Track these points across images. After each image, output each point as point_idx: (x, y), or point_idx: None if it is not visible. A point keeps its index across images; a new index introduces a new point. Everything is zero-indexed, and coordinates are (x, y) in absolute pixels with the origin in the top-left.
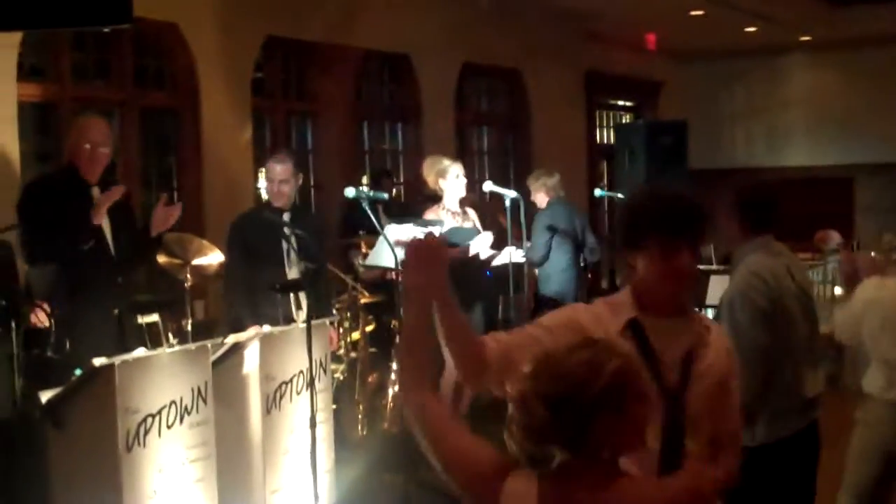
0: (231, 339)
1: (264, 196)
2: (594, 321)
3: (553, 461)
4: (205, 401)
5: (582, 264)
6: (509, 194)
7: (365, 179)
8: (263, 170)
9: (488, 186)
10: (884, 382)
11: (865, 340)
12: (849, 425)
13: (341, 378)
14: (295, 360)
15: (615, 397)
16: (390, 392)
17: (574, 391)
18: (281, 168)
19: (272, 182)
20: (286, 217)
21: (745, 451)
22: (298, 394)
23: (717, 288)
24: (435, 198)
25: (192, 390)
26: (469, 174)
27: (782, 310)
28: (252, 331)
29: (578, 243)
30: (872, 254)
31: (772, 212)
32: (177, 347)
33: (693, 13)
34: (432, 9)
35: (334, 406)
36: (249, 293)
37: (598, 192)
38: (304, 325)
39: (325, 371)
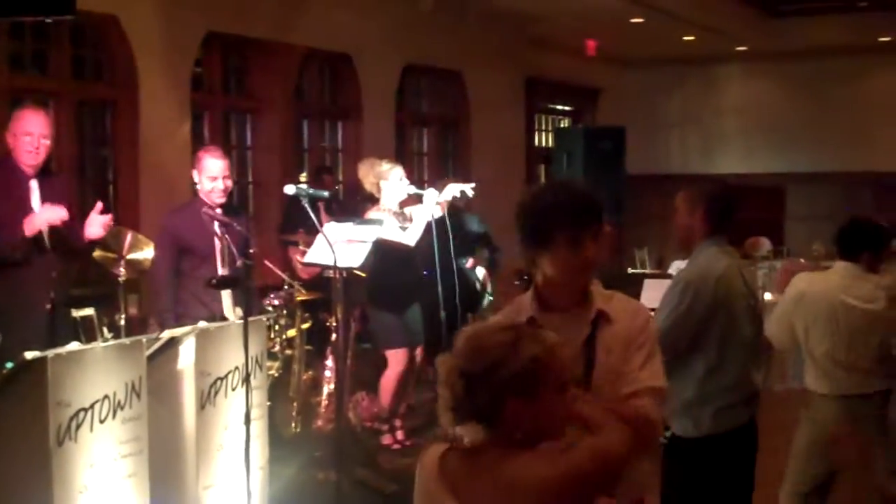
0: (166, 334)
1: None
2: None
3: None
4: (138, 396)
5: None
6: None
7: (303, 176)
8: (197, 162)
9: (410, 189)
10: (816, 378)
11: (798, 336)
12: (772, 427)
13: (276, 375)
14: (231, 357)
15: (528, 382)
16: (325, 389)
17: (488, 370)
18: (223, 163)
19: (213, 178)
20: (220, 213)
21: (691, 442)
22: (233, 390)
23: (651, 292)
24: (372, 198)
25: (126, 385)
26: (408, 174)
27: (728, 309)
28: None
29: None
30: (801, 261)
31: (733, 215)
32: (111, 342)
33: (633, 21)
34: (375, 9)
35: (269, 403)
36: (178, 291)
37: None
38: (241, 321)
39: (260, 368)
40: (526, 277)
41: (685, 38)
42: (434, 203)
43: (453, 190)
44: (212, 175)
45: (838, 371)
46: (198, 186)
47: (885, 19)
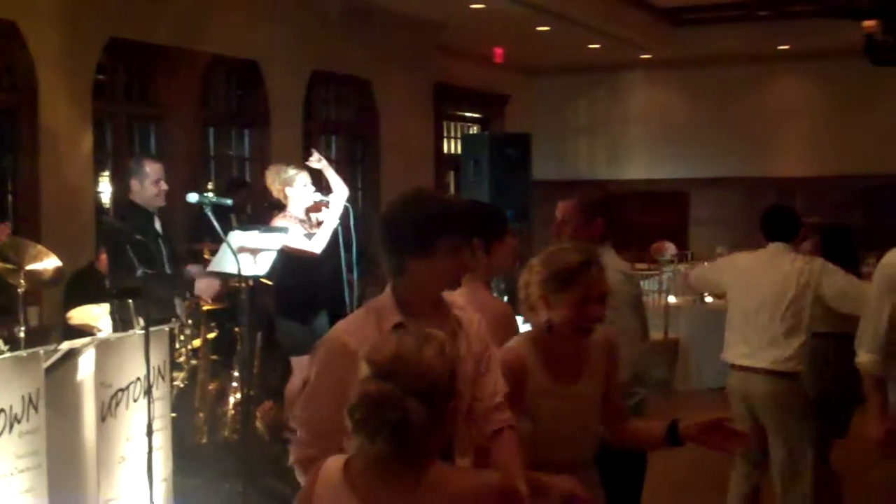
0: (65, 345)
1: (133, 197)
2: (357, 337)
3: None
4: (36, 409)
5: None
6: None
7: (211, 185)
8: (138, 169)
9: (317, 196)
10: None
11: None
12: None
13: (182, 386)
14: (132, 367)
15: (440, 395)
16: (231, 400)
17: (436, 383)
18: (159, 166)
19: (155, 182)
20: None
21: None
22: (135, 401)
23: None
24: (279, 205)
25: (23, 398)
26: (317, 182)
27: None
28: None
29: None
30: (705, 264)
31: (616, 221)
32: (7, 354)
33: (539, 29)
34: (282, 16)
35: (174, 414)
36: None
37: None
38: (143, 331)
39: (163, 378)
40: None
41: (591, 46)
42: (340, 210)
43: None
44: (155, 179)
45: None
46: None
47: (784, 28)
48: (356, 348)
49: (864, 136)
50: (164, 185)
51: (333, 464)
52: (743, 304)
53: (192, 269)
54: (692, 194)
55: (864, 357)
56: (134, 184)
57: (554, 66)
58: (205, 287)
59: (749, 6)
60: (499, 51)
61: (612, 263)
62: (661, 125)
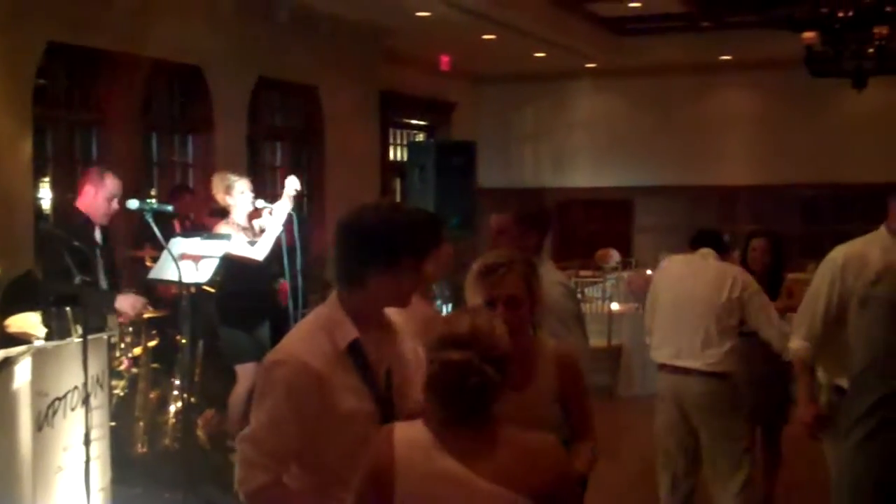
0: (0, 353)
1: (80, 203)
2: (315, 355)
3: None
4: None
5: None
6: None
7: (154, 192)
8: (99, 180)
9: (259, 203)
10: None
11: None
12: (623, 434)
13: (122, 394)
14: (69, 376)
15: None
16: (172, 408)
17: (505, 353)
18: (119, 184)
19: (109, 199)
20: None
21: None
22: (73, 410)
23: None
24: (223, 212)
25: None
26: (261, 188)
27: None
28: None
29: None
30: (648, 272)
31: (549, 233)
32: None
33: (485, 37)
34: (226, 21)
35: (113, 423)
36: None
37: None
38: (80, 339)
39: (101, 387)
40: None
41: (536, 54)
42: (283, 217)
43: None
44: (110, 196)
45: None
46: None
47: (725, 39)
48: (318, 368)
49: (804, 146)
50: (116, 205)
51: (411, 430)
52: (674, 305)
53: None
54: (636, 202)
55: (797, 344)
56: (88, 190)
57: (500, 74)
58: (127, 305)
59: (691, 17)
60: (445, 59)
61: (552, 276)
62: (606, 133)
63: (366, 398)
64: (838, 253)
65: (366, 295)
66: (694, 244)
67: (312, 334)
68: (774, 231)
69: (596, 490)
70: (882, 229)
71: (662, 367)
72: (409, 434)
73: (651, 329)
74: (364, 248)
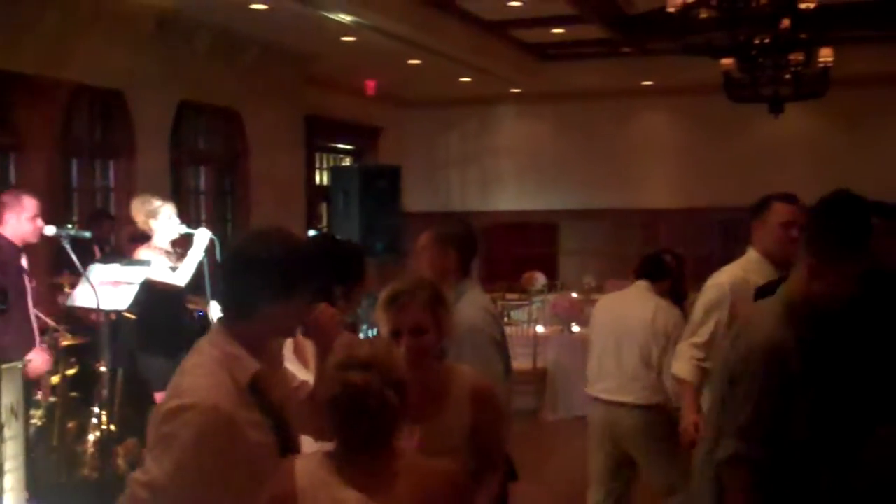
0: None
1: (4, 230)
2: (223, 396)
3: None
4: None
5: None
6: (201, 233)
7: (75, 218)
8: (14, 203)
9: (182, 229)
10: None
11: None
12: (548, 457)
13: (40, 424)
14: None
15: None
16: (90, 437)
17: (404, 378)
18: (36, 202)
19: (32, 218)
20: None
21: None
22: None
23: None
24: (144, 237)
25: None
26: (185, 213)
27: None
28: None
29: None
30: (574, 294)
31: (474, 255)
32: None
33: (411, 62)
34: (148, 45)
35: (32, 454)
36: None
37: (311, 233)
38: None
39: (16, 417)
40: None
41: (462, 79)
42: (205, 243)
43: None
44: (32, 214)
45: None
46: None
47: (647, 64)
48: (228, 409)
49: (723, 170)
50: (40, 222)
51: (310, 462)
52: (607, 338)
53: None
54: (561, 225)
55: (686, 365)
56: (8, 217)
57: (426, 98)
58: (39, 361)
59: (613, 43)
60: (371, 83)
61: (476, 300)
62: (531, 158)
63: (268, 432)
64: (723, 278)
65: (256, 326)
66: (637, 274)
67: (214, 373)
68: (671, 250)
69: None
70: (751, 253)
71: (596, 399)
72: (310, 466)
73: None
74: (256, 278)
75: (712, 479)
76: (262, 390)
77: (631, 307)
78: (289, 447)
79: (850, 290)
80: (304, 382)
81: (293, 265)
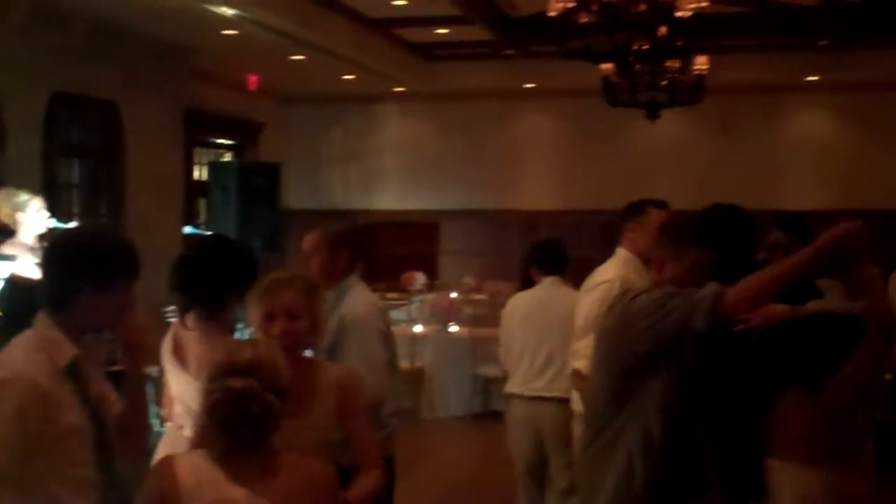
0: None
1: None
2: (41, 373)
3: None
4: None
5: None
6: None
7: None
8: None
9: (50, 223)
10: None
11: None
12: (424, 457)
13: None
14: None
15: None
16: None
17: (285, 383)
18: None
19: None
20: None
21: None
22: None
23: None
24: (9, 232)
25: None
26: (57, 207)
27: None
28: None
29: None
30: (453, 294)
31: (363, 252)
32: None
33: (293, 58)
34: (19, 34)
35: None
36: None
37: (187, 229)
38: None
39: None
40: None
41: (345, 77)
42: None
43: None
44: None
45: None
46: None
47: (529, 67)
48: (45, 385)
49: (602, 173)
50: None
51: (193, 459)
52: (528, 335)
53: None
54: (442, 225)
55: (583, 363)
56: None
57: (309, 95)
58: None
59: (496, 45)
60: (253, 78)
61: (363, 296)
62: (414, 157)
63: (83, 417)
64: (610, 275)
65: (74, 315)
66: (540, 266)
67: (31, 351)
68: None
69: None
70: (623, 252)
71: (517, 396)
72: (193, 463)
73: (504, 362)
74: (73, 268)
75: (614, 468)
76: (80, 377)
77: (551, 302)
78: (104, 441)
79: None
80: (117, 400)
81: (110, 259)
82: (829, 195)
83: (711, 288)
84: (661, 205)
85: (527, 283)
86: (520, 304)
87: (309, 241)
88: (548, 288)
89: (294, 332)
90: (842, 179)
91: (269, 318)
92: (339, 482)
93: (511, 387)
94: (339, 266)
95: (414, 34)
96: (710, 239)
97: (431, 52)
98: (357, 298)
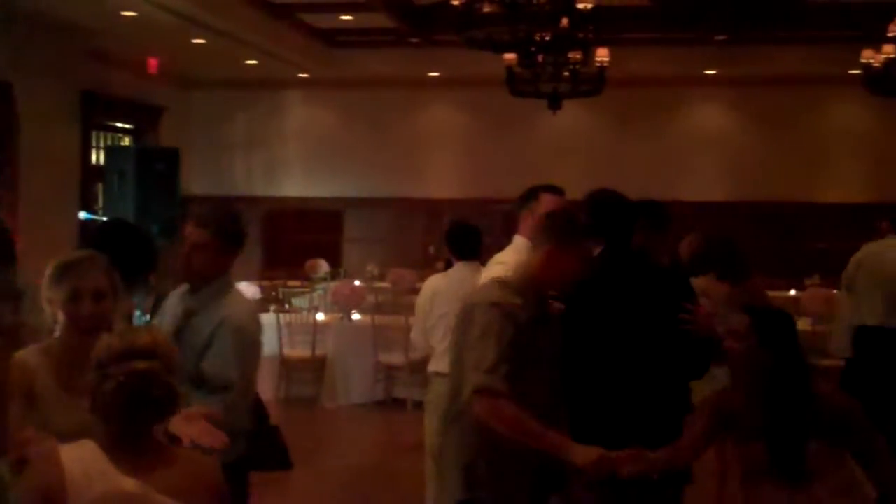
0: None
1: None
2: None
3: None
4: None
5: None
6: None
7: None
8: None
9: None
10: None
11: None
12: (325, 445)
13: None
14: None
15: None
16: None
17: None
18: None
19: None
20: None
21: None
22: None
23: None
24: None
25: None
26: None
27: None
28: None
29: None
30: (356, 282)
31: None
32: None
33: (195, 41)
34: None
35: None
36: None
37: (82, 214)
38: None
39: None
40: None
41: (248, 62)
42: None
43: None
44: None
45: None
46: None
47: (433, 56)
48: None
49: (506, 162)
50: None
51: (79, 451)
52: (450, 315)
53: None
54: (346, 213)
55: None
56: None
57: (211, 79)
58: None
59: (400, 33)
60: (153, 61)
61: (243, 299)
62: (318, 144)
63: None
64: (504, 258)
65: None
66: (454, 251)
67: None
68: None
69: (294, 499)
70: (520, 240)
71: (443, 375)
72: (80, 454)
73: (416, 343)
74: None
75: (455, 429)
76: None
77: (465, 282)
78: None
79: (584, 272)
80: None
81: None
82: (725, 187)
83: (484, 380)
84: (555, 190)
85: (450, 265)
86: (435, 283)
87: (195, 234)
88: (461, 270)
89: (101, 313)
90: (737, 171)
91: (73, 298)
92: (220, 471)
93: (433, 365)
94: (225, 264)
95: (319, 20)
96: (566, 234)
97: (336, 39)
98: (240, 302)
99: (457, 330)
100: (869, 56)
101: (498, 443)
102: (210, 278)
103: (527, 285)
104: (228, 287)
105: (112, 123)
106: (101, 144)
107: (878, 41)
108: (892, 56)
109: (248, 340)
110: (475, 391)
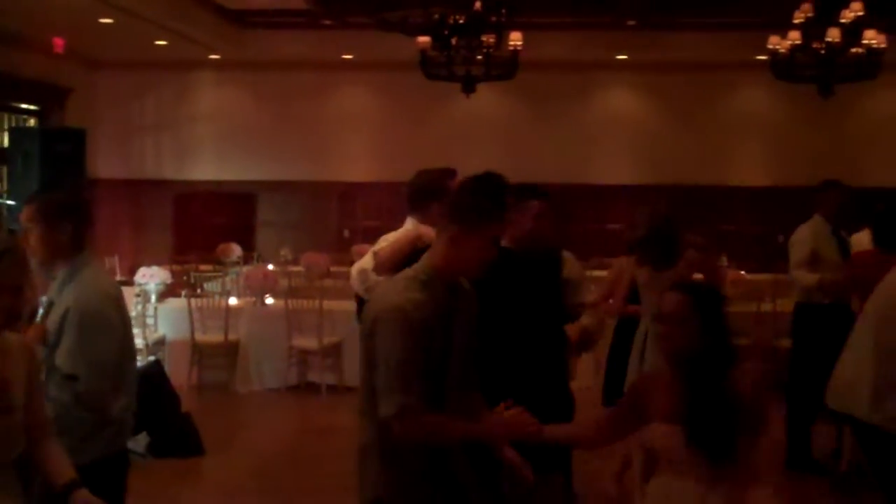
0: None
1: None
2: None
3: None
4: None
5: None
6: None
7: None
8: None
9: None
10: None
11: None
12: (239, 430)
13: None
14: None
15: None
16: None
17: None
18: None
19: None
20: None
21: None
22: None
23: None
24: None
25: None
26: None
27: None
28: None
29: None
30: (270, 266)
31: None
32: None
33: (102, 20)
34: None
35: None
36: None
37: None
38: None
39: None
40: None
41: (158, 42)
42: None
43: None
44: None
45: None
46: None
47: (347, 38)
48: None
49: (419, 145)
50: None
51: None
52: None
53: None
54: (259, 196)
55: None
56: None
57: (119, 60)
58: None
59: (313, 14)
60: (59, 41)
61: (96, 280)
62: (230, 127)
63: None
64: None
65: None
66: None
67: None
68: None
69: (206, 485)
70: (408, 220)
71: None
72: None
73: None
74: None
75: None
76: None
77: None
78: None
79: (492, 254)
80: None
81: None
82: (638, 171)
83: (399, 401)
84: (449, 174)
85: None
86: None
87: (24, 213)
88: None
89: (19, 308)
90: (649, 155)
91: None
92: None
93: None
94: (61, 241)
95: (230, 1)
96: (462, 216)
97: (247, 20)
98: (89, 286)
99: (362, 347)
100: (775, 42)
101: (408, 475)
102: (52, 259)
103: (432, 276)
104: (77, 273)
105: (16, 105)
106: (5, 126)
107: (784, 27)
108: (797, 42)
109: (96, 325)
110: (394, 416)
